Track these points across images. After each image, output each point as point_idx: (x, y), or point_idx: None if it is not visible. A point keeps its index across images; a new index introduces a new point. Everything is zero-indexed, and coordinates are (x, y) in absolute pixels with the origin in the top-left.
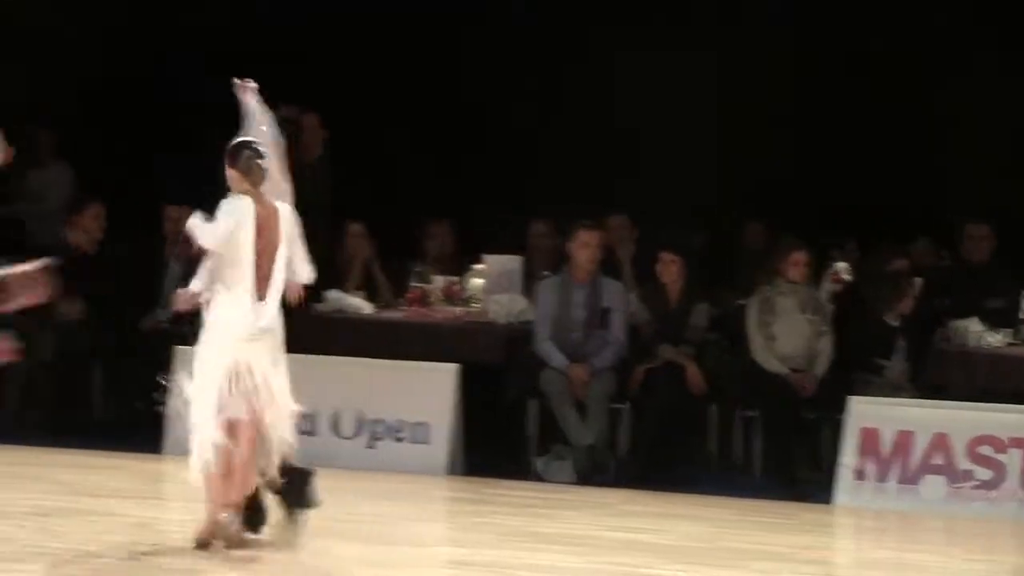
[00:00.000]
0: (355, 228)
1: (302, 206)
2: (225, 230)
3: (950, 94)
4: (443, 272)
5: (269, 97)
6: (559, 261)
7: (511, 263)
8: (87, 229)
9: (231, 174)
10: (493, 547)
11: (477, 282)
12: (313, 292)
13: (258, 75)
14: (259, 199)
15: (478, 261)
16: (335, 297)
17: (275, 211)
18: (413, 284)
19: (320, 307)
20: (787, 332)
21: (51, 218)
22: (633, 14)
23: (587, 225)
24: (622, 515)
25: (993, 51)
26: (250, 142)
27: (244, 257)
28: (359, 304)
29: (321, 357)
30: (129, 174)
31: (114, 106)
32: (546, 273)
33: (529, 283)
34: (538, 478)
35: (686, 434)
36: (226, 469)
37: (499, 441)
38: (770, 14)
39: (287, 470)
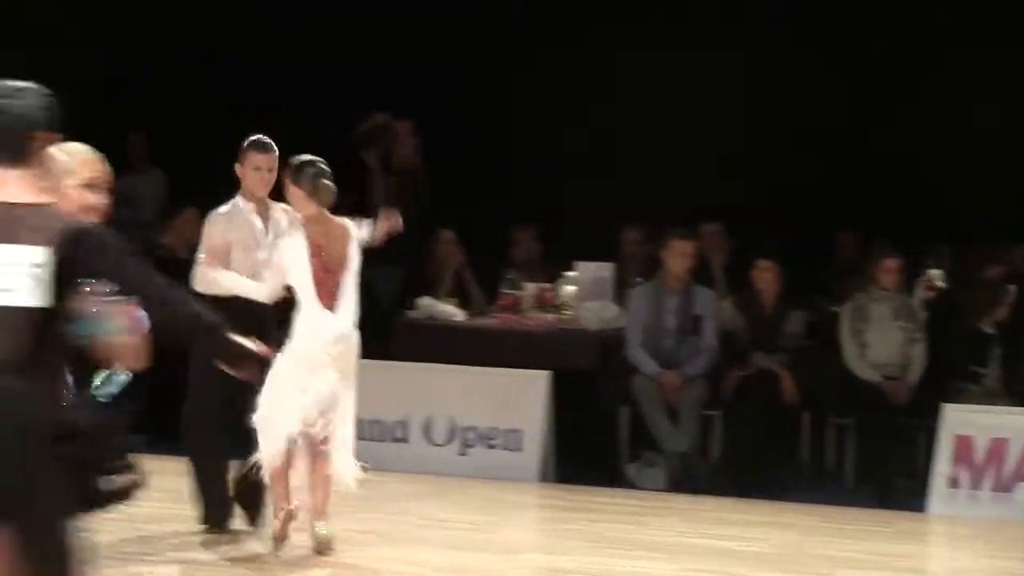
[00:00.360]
0: (447, 235)
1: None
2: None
3: (950, 94)
4: (530, 278)
5: (274, 96)
6: (651, 268)
7: (603, 270)
8: (183, 234)
9: (294, 193)
10: (585, 554)
11: (569, 289)
12: (406, 299)
13: (258, 75)
14: (323, 220)
15: (569, 268)
16: (427, 304)
17: (342, 230)
18: (505, 291)
19: (412, 314)
20: (880, 339)
21: (145, 224)
22: (633, 14)
23: (680, 234)
24: (714, 522)
25: (993, 51)
26: (314, 160)
27: (304, 280)
28: (451, 311)
29: (413, 364)
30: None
31: (113, 106)
32: (639, 280)
33: (621, 290)
34: (630, 485)
35: (778, 441)
36: (286, 475)
37: (591, 448)
38: (770, 14)
39: (251, 484)
